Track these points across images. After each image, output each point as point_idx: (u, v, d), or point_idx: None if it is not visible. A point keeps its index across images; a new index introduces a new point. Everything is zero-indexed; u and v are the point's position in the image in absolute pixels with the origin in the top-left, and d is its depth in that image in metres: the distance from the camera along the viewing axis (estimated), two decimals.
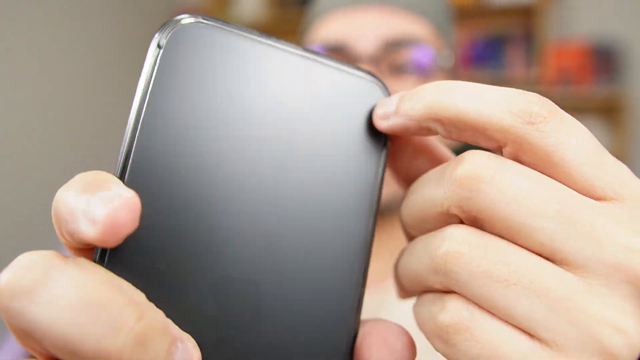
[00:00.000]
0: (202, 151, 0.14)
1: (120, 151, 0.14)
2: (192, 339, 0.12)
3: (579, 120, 1.79)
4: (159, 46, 0.15)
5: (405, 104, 0.16)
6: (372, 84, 0.17)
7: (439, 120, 0.15)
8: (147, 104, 0.14)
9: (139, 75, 0.15)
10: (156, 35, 0.15)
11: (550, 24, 1.78)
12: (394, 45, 0.44)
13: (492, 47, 1.88)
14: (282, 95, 0.15)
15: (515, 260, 0.13)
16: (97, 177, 0.13)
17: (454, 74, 0.52)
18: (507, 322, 0.13)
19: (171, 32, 0.15)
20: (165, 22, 0.16)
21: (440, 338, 0.14)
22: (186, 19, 0.16)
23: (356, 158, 0.16)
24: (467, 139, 0.15)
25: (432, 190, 0.15)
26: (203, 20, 0.16)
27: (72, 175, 1.83)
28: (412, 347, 0.15)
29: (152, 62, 0.15)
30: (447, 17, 0.51)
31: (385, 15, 0.45)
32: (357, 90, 0.17)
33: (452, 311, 0.14)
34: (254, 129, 0.15)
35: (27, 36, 1.65)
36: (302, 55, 0.16)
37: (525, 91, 0.14)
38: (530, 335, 0.13)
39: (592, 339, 0.12)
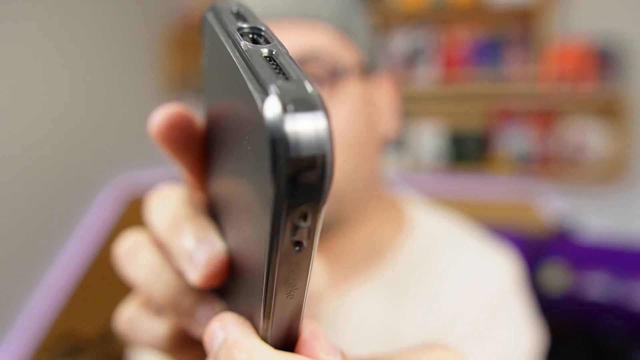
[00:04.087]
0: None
1: None
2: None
3: (579, 119, 1.79)
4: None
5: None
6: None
7: None
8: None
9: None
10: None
11: (550, 24, 1.77)
12: None
13: (491, 47, 1.88)
14: None
15: None
16: (201, 228, 0.18)
17: (373, 73, 0.48)
18: None
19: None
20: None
21: None
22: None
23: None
24: None
25: None
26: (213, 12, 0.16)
27: (69, 175, 1.83)
28: None
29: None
30: (353, 13, 0.46)
31: (275, 30, 0.41)
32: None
33: None
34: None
35: (25, 35, 1.65)
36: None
37: None
38: None
39: None
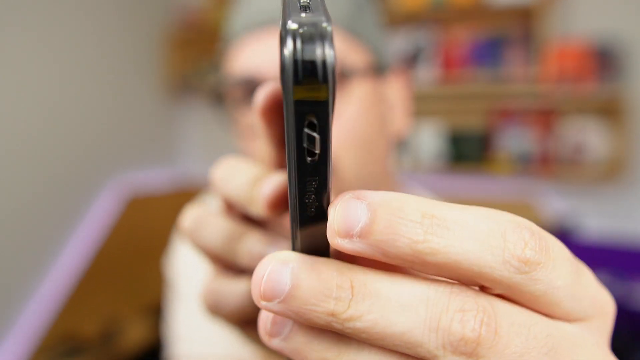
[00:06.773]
0: None
1: None
2: None
3: (578, 119, 1.79)
4: None
5: (379, 231, 0.13)
6: None
7: (423, 264, 0.13)
8: None
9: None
10: None
11: (550, 24, 1.77)
12: None
13: (492, 47, 1.88)
14: None
15: None
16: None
17: (383, 73, 0.49)
18: None
19: None
20: None
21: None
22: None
23: None
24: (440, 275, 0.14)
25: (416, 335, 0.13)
26: None
27: (70, 176, 1.83)
28: None
29: None
30: (363, 14, 0.47)
31: None
32: None
33: None
34: None
35: (27, 35, 1.65)
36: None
37: (518, 223, 0.14)
38: None
39: None
